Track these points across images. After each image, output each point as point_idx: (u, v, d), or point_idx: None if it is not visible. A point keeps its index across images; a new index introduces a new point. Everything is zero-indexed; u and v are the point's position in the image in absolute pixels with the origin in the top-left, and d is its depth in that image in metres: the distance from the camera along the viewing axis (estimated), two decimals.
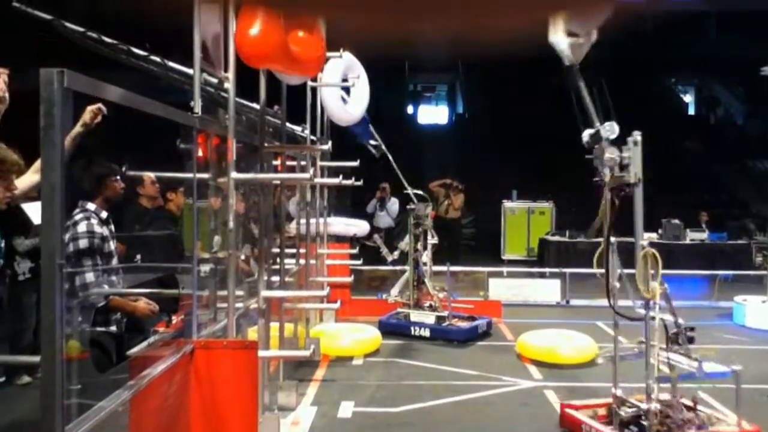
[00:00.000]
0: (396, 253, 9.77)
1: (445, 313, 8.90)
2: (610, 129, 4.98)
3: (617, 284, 5.41)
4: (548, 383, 6.91)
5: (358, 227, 10.24)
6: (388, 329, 8.84)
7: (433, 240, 9.24)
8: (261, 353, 4.40)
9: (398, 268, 9.86)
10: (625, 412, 5.15)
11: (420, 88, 29.71)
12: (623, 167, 4.96)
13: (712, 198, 18.15)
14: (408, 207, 9.40)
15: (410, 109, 28.92)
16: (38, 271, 4.67)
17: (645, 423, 4.97)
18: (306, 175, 5.12)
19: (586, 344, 7.88)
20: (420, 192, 9.60)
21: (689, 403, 5.22)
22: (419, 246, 8.96)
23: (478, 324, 8.94)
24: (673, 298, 11.37)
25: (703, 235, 14.47)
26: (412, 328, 8.86)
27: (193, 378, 3.74)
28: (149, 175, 6.12)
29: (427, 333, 8.74)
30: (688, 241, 14.26)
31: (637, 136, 4.97)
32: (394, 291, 9.27)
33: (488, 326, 9.11)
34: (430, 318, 8.89)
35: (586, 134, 5.09)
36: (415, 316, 9.02)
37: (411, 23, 0.82)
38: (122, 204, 6.36)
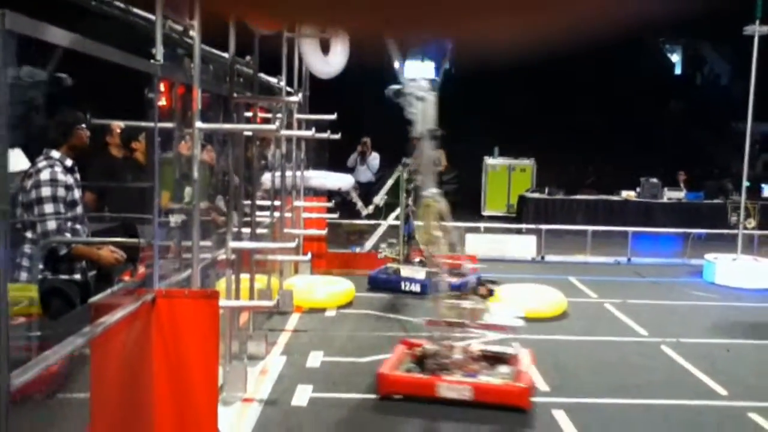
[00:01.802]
0: (371, 208, 9.77)
1: (438, 270, 8.88)
2: (417, 86, 5.05)
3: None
4: (516, 336, 7.02)
5: (342, 183, 10.20)
6: (377, 284, 8.85)
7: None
8: (224, 303, 4.44)
9: (373, 222, 9.88)
10: (417, 353, 5.51)
11: (411, 46, 29.30)
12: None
13: (692, 158, 18.23)
14: (403, 161, 9.28)
15: (396, 64, 28.51)
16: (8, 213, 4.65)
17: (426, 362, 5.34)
18: (272, 127, 5.08)
19: (556, 298, 8.00)
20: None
21: (476, 351, 5.53)
22: (410, 201, 8.92)
23: (468, 280, 8.97)
24: (647, 255, 11.55)
25: (680, 194, 14.59)
26: (402, 284, 8.85)
27: (155, 327, 3.76)
28: (118, 124, 6.05)
29: (417, 288, 8.74)
30: (665, 200, 14.38)
31: (419, 92, 5.02)
32: (368, 245, 9.30)
33: (479, 281, 9.13)
34: (420, 273, 8.90)
35: (390, 91, 5.18)
36: (406, 271, 9.01)
37: (402, 33, 0.82)
38: (91, 153, 6.30)
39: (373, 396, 5.25)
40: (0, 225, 2.26)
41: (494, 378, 5.22)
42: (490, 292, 5.54)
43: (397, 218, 9.14)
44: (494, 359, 5.51)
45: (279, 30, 5.49)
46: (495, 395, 5.07)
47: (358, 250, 9.62)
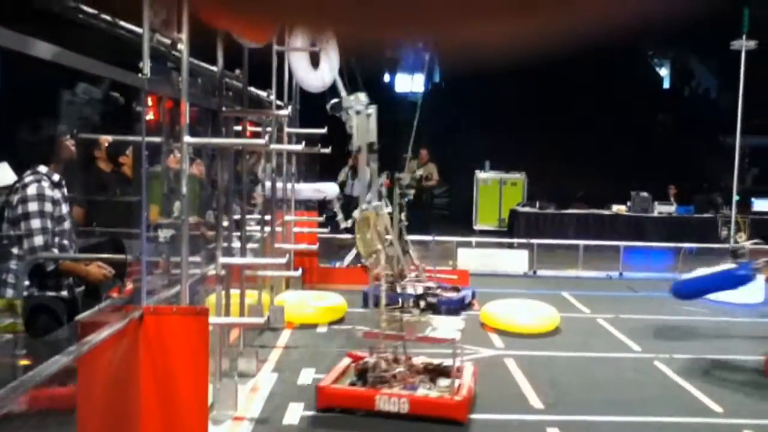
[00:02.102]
0: (350, 222, 9.71)
1: (433, 284, 8.85)
2: (355, 99, 5.07)
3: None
4: (509, 352, 6.97)
5: (327, 191, 10.13)
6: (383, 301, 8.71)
7: (388, 209, 9.20)
8: (213, 320, 4.37)
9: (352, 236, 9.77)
10: (361, 366, 5.50)
11: (394, 56, 29.37)
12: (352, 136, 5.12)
13: (682, 171, 18.32)
14: (396, 176, 9.20)
15: (387, 78, 28.62)
16: None
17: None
18: (262, 141, 5.04)
19: (548, 314, 7.96)
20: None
21: (419, 364, 5.53)
22: (402, 216, 8.88)
23: (465, 294, 8.92)
24: (638, 269, 11.53)
25: (671, 209, 14.64)
26: (399, 300, 8.75)
27: (143, 344, 3.70)
28: (106, 138, 5.98)
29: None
30: (656, 214, 14.42)
31: (357, 106, 5.04)
32: (347, 259, 9.22)
33: (473, 296, 9.11)
34: (417, 289, 8.80)
35: (328, 105, 5.20)
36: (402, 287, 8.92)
37: (391, 34, 0.80)
38: (79, 167, 6.23)
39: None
40: None
41: (432, 391, 5.20)
42: (430, 306, 5.59)
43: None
44: (437, 372, 5.48)
45: (267, 40, 5.45)
46: (431, 408, 5.05)
47: (338, 264, 9.55)
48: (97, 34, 4.55)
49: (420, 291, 8.66)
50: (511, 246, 12.96)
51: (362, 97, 4.94)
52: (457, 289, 9.03)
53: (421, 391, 5.18)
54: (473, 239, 12.67)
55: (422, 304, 5.59)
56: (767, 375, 6.39)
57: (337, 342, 7.20)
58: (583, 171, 19.17)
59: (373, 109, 4.94)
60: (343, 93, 4.93)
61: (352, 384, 5.34)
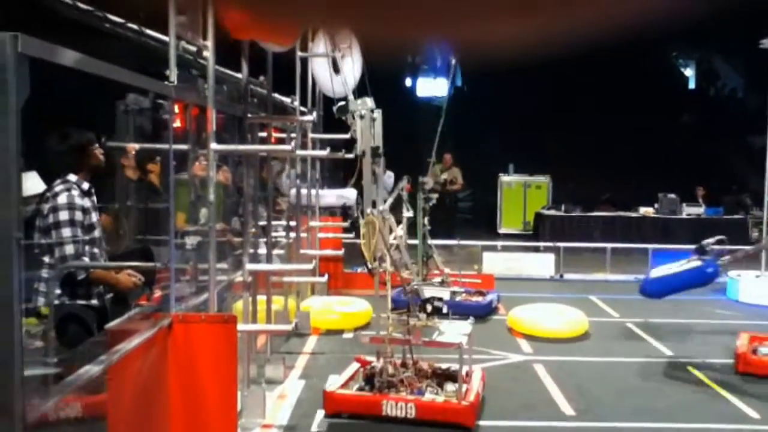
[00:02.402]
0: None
1: (460, 289, 8.77)
2: (362, 103, 4.96)
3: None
4: (538, 357, 6.88)
5: (349, 197, 10.10)
6: (399, 306, 8.63)
7: (408, 213, 9.16)
8: (242, 327, 4.35)
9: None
10: (368, 370, 5.45)
11: (418, 61, 29.34)
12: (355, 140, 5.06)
13: (709, 172, 18.04)
14: (419, 180, 9.09)
15: (408, 82, 28.61)
16: (26, 244, 4.61)
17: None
18: (287, 147, 5.04)
19: (577, 318, 7.85)
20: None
21: (426, 369, 5.49)
22: (426, 220, 8.79)
23: (492, 299, 8.84)
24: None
25: (699, 210, 14.40)
26: (426, 305, 8.67)
27: (172, 352, 3.69)
28: (133, 146, 6.02)
29: (443, 309, 8.56)
30: (684, 216, 14.20)
31: (362, 110, 4.95)
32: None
33: (498, 300, 9.06)
34: (444, 293, 8.67)
35: (335, 107, 5.12)
36: (429, 292, 8.80)
37: (409, 33, 0.79)
38: (106, 175, 6.28)
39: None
40: (14, 253, 2.20)
41: (439, 396, 5.15)
42: (437, 310, 5.54)
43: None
44: (444, 377, 5.43)
45: (292, 44, 5.44)
46: (438, 413, 5.01)
47: (360, 270, 9.50)
48: (123, 43, 4.59)
49: (446, 296, 8.59)
50: (536, 249, 12.83)
51: (369, 101, 4.91)
52: (482, 294, 8.95)
53: (428, 396, 5.15)
54: (498, 243, 12.57)
55: (429, 308, 5.53)
56: (738, 370, 6.33)
57: (364, 348, 7.15)
58: (609, 173, 18.95)
59: (378, 114, 4.91)
60: (350, 96, 4.90)
61: (360, 389, 5.32)
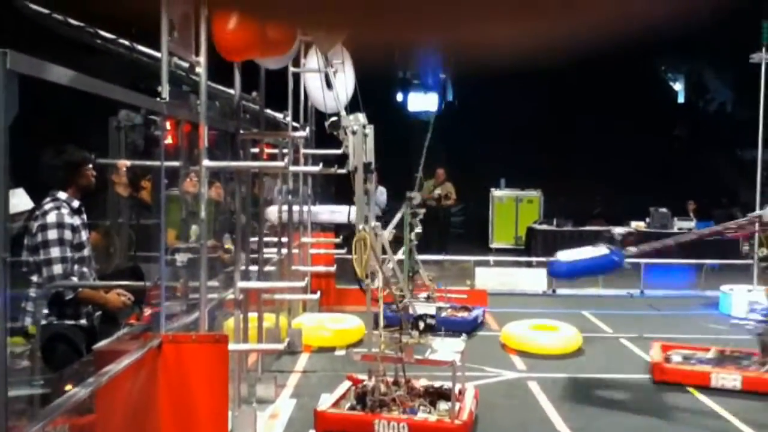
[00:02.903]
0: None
1: (445, 305, 8.72)
2: (354, 119, 4.97)
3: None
4: (532, 374, 6.83)
5: (344, 213, 10.04)
6: (386, 323, 8.58)
7: (417, 229, 9.15)
8: (233, 346, 4.29)
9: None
10: (360, 389, 5.38)
11: (409, 76, 29.46)
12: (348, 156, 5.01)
13: (700, 186, 18.13)
14: (406, 195, 9.06)
15: (399, 97, 28.69)
16: (12, 262, 4.54)
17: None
18: (281, 164, 5.00)
19: (571, 334, 7.81)
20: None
21: (419, 387, 5.43)
22: (412, 235, 8.78)
23: (477, 314, 8.80)
24: (660, 287, 11.34)
25: (691, 224, 14.43)
26: (419, 322, 8.60)
27: (162, 373, 3.63)
28: (124, 162, 5.96)
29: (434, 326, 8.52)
30: (675, 230, 14.21)
31: (354, 125, 4.93)
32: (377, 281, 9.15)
33: (483, 315, 9.04)
34: (430, 309, 8.65)
35: (328, 122, 5.11)
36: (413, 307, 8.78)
37: (402, 37, 0.77)
38: (97, 192, 6.21)
39: None
40: (1, 273, 2.15)
41: (432, 415, 5.09)
42: (430, 327, 5.48)
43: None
44: (437, 395, 5.36)
45: (287, 53, 5.40)
46: None
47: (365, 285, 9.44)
48: (116, 59, 4.56)
49: (432, 311, 8.52)
50: (529, 264, 12.81)
51: (361, 117, 4.88)
52: (468, 309, 8.92)
53: (421, 415, 5.08)
54: (491, 258, 12.54)
55: (421, 325, 5.47)
56: (655, 380, 6.45)
57: (356, 365, 7.07)
58: (600, 187, 19.00)
59: (370, 129, 4.88)
60: (342, 112, 4.87)
61: (352, 408, 5.24)
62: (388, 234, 9.47)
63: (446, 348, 5.36)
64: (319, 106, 8.18)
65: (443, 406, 5.20)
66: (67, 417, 2.99)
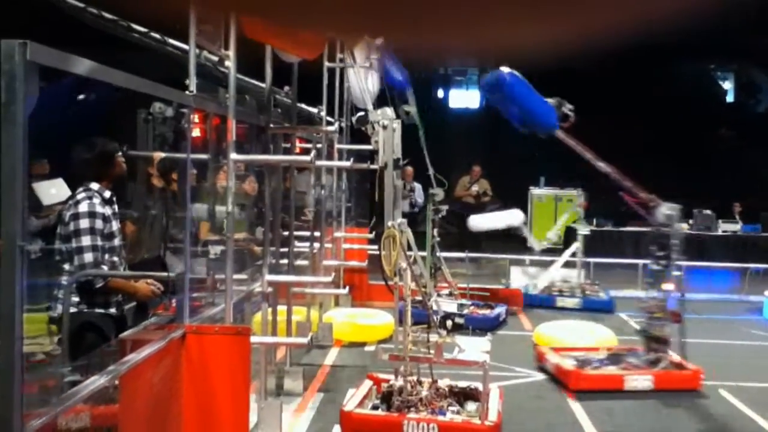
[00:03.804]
0: (545, 243, 10.07)
1: (467, 302, 8.67)
2: (382, 114, 4.85)
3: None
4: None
5: (512, 217, 10.19)
6: (413, 320, 8.45)
7: (585, 230, 9.53)
8: (256, 339, 4.31)
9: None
10: (386, 389, 5.26)
11: (450, 72, 29.31)
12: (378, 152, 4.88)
13: (747, 188, 17.61)
14: (429, 192, 9.10)
15: (440, 93, 28.56)
16: (48, 250, 4.64)
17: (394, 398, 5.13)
18: (307, 158, 4.99)
19: (605, 336, 7.65)
20: (440, 177, 9.22)
21: (444, 387, 5.29)
22: (435, 232, 8.75)
23: (500, 312, 8.75)
24: (701, 290, 11.05)
25: (736, 227, 14.02)
26: (446, 321, 8.49)
27: (185, 363, 3.66)
28: (159, 154, 6.04)
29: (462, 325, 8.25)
30: (719, 233, 13.83)
31: (384, 120, 4.78)
32: (543, 281, 9.62)
33: (506, 314, 8.98)
34: (452, 306, 8.57)
35: (354, 117, 4.99)
36: (436, 304, 8.73)
37: (436, 42, 0.76)
38: (133, 184, 6.32)
39: None
40: (18, 262, 2.19)
41: (461, 415, 4.99)
42: (458, 327, 5.38)
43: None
44: (463, 395, 5.26)
45: (314, 56, 5.39)
46: None
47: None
48: (154, 55, 4.61)
49: (453, 309, 8.43)
50: (567, 264, 12.60)
51: (389, 111, 4.83)
52: (491, 307, 8.84)
53: (450, 416, 4.99)
54: (527, 257, 12.37)
55: (449, 324, 5.39)
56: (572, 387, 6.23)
57: (384, 361, 7.06)
58: (643, 187, 18.58)
59: (398, 124, 4.82)
60: (369, 107, 4.82)
61: (375, 408, 5.15)
62: (554, 234, 9.63)
63: (473, 347, 5.29)
64: (359, 102, 8.15)
65: (471, 406, 5.13)
66: (87, 405, 3.04)
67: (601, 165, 6.73)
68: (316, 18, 0.77)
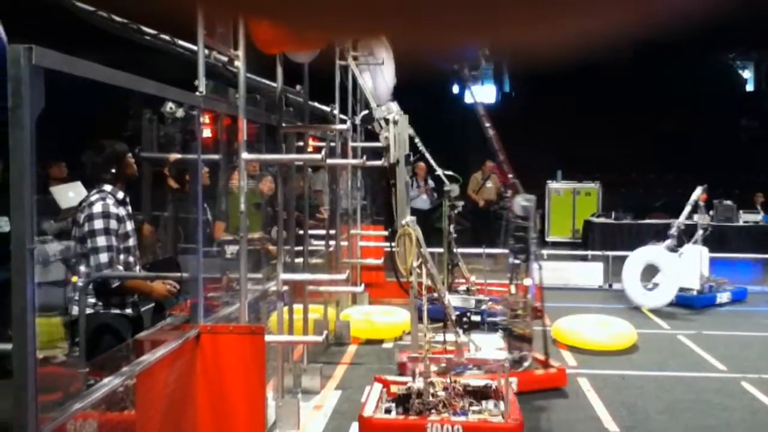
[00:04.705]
0: None
1: (485, 298, 8.63)
2: (387, 109, 4.68)
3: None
4: (582, 370, 6.66)
5: None
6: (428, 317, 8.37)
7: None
8: (271, 338, 4.32)
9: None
10: (398, 391, 5.03)
11: (465, 68, 29.18)
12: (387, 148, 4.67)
13: (764, 178, 17.36)
14: (445, 188, 9.07)
15: (455, 89, 28.48)
16: (68, 253, 4.69)
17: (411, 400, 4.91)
18: (318, 156, 4.98)
19: (625, 330, 7.58)
20: (450, 172, 9.19)
21: (459, 387, 5.07)
22: (451, 228, 8.71)
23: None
24: (724, 281, 10.84)
25: (758, 217, 13.81)
26: (462, 319, 8.36)
27: (200, 363, 3.68)
28: (175, 156, 6.08)
29: (479, 323, 8.04)
30: (741, 223, 13.64)
31: (389, 115, 4.63)
32: None
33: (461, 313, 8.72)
34: (469, 303, 8.48)
35: (358, 117, 4.82)
36: (454, 301, 8.63)
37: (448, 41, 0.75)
38: (151, 185, 6.37)
39: None
40: (29, 264, 2.20)
41: (484, 415, 4.85)
42: (474, 325, 5.24)
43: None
44: (479, 394, 5.10)
45: (317, 51, 5.33)
46: None
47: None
48: (176, 57, 4.63)
49: (472, 305, 8.34)
50: (585, 258, 12.52)
51: (393, 106, 4.73)
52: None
53: (474, 416, 4.84)
54: (545, 251, 12.27)
55: (465, 323, 5.27)
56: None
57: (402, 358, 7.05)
58: (662, 180, 18.41)
59: (405, 119, 4.71)
60: (373, 104, 4.75)
61: (387, 411, 4.93)
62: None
63: (487, 344, 5.22)
64: (372, 98, 8.12)
65: (491, 405, 5.03)
66: (106, 404, 3.06)
67: (488, 129, 6.36)
68: (326, 18, 0.76)
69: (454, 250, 8.80)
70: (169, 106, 5.12)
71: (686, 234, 10.49)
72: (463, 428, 4.71)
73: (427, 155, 8.73)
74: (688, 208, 10.52)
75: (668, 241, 10.10)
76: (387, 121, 4.52)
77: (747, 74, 25.77)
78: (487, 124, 6.22)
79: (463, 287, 8.83)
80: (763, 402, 5.81)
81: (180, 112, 4.99)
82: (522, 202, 6.35)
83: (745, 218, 13.70)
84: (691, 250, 10.14)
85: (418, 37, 0.77)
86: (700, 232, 10.44)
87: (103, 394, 2.71)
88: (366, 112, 4.78)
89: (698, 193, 10.74)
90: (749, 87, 25.69)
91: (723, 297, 9.90)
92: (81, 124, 6.43)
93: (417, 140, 8.31)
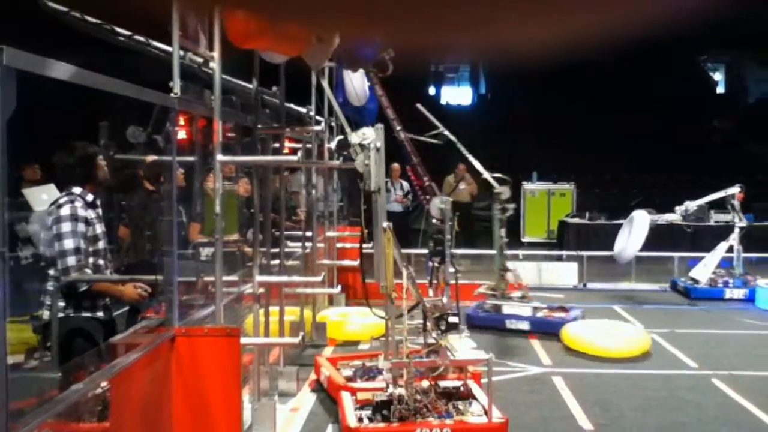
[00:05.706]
0: None
1: (542, 305, 8.30)
2: (362, 134, 4.60)
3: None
4: (557, 369, 6.73)
5: (640, 223, 10.06)
6: (477, 323, 7.95)
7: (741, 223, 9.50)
8: (246, 340, 4.30)
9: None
10: (378, 396, 4.92)
11: (442, 69, 29.35)
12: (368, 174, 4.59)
13: (741, 180, 17.67)
14: (494, 191, 8.67)
15: (432, 90, 28.59)
16: (38, 256, 4.62)
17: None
18: (294, 158, 4.98)
19: (638, 336, 7.48)
20: (498, 174, 8.72)
21: (434, 389, 5.05)
22: (503, 232, 8.43)
23: (576, 314, 8.23)
24: (754, 278, 10.75)
25: (728, 217, 14.03)
26: (506, 322, 8.12)
27: (175, 366, 3.65)
28: (153, 157, 6.02)
29: (525, 326, 8.01)
30: (712, 223, 13.87)
31: (377, 142, 4.57)
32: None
33: (582, 315, 8.38)
34: (526, 310, 8.16)
35: (334, 142, 4.80)
36: (509, 308, 8.20)
37: (433, 39, 0.76)
38: (128, 188, 6.31)
39: None
40: (0, 268, 2.18)
41: (467, 416, 4.86)
42: (452, 326, 5.20)
43: None
44: (453, 395, 5.09)
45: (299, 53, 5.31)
46: None
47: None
48: (159, 59, 4.58)
49: (529, 312, 8.12)
50: (560, 258, 12.64)
51: (369, 131, 4.57)
52: (565, 309, 8.39)
53: (457, 418, 4.83)
54: (520, 252, 12.37)
55: (443, 325, 5.22)
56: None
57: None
58: (637, 181, 18.64)
59: (381, 143, 4.61)
60: (347, 129, 4.64)
61: (360, 420, 4.83)
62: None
63: (462, 346, 5.21)
64: (352, 99, 8.11)
65: (470, 405, 5.01)
66: (79, 410, 3.04)
67: (399, 132, 6.28)
68: (319, 14, 0.76)
69: (506, 253, 8.54)
70: (131, 131, 5.03)
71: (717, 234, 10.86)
72: (451, 431, 4.69)
73: (471, 158, 8.58)
74: (715, 196, 10.55)
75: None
76: (362, 146, 4.44)
77: (718, 76, 26.21)
78: (398, 128, 6.14)
79: (516, 293, 8.42)
80: (733, 398, 5.92)
81: (143, 137, 4.93)
82: (439, 204, 6.35)
83: (716, 218, 13.94)
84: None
85: (404, 33, 0.77)
86: (736, 230, 10.60)
87: (76, 399, 2.68)
88: (341, 137, 4.74)
89: (734, 191, 10.71)
90: (720, 89, 26.14)
91: (735, 293, 10.21)
92: (56, 126, 6.35)
93: (459, 145, 8.20)
